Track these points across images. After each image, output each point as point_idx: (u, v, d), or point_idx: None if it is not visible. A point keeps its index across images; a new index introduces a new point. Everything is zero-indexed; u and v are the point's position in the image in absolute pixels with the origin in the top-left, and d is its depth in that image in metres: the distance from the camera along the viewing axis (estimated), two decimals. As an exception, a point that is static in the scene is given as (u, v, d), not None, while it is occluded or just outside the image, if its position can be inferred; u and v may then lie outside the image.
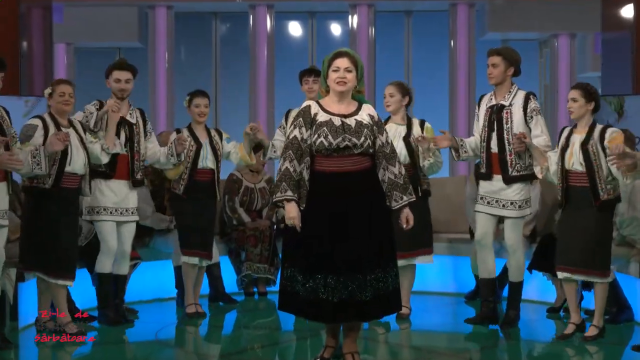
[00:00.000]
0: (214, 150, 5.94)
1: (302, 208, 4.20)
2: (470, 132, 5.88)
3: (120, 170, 5.54)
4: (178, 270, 6.33)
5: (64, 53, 9.45)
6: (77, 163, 5.20)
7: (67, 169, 5.15)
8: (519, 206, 5.43)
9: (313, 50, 9.85)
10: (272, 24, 9.44)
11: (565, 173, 5.13)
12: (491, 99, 5.53)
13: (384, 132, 4.36)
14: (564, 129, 5.31)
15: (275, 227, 6.83)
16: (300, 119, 4.29)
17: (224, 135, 6.07)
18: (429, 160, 5.63)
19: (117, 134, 5.50)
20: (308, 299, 4.18)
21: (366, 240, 4.20)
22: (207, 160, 5.92)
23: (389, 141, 4.36)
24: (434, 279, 6.75)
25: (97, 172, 5.49)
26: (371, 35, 9.39)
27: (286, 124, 5.86)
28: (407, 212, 4.32)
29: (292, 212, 4.17)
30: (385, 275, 4.26)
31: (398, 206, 4.29)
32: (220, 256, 6.66)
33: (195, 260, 5.95)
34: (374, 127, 4.31)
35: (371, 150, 4.30)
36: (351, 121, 4.28)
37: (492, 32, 9.38)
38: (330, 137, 4.23)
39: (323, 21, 10.05)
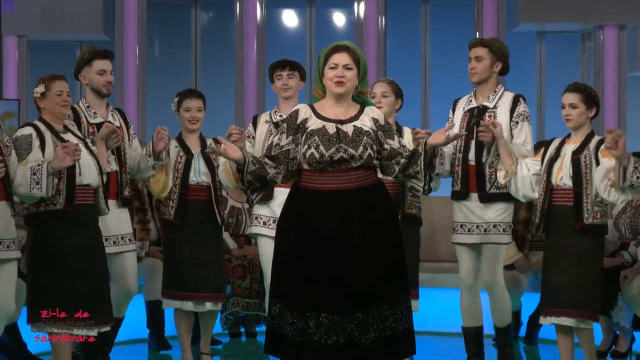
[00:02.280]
0: (209, 162, 5.75)
1: (249, 159, 4.20)
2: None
3: (112, 188, 5.35)
4: (151, 306, 6.33)
5: (15, 47, 9.49)
6: (90, 172, 4.96)
7: (79, 180, 4.89)
8: (503, 230, 5.27)
9: (312, 44, 9.89)
10: (263, 12, 9.49)
11: (549, 191, 4.99)
12: (470, 100, 5.40)
13: (396, 136, 4.28)
14: (553, 139, 5.20)
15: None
16: (285, 124, 4.27)
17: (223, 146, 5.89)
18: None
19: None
20: (298, 342, 4.15)
21: (370, 271, 4.16)
22: (199, 174, 5.72)
23: (405, 144, 4.28)
24: (444, 316, 6.76)
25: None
26: (381, 27, 9.43)
27: (255, 132, 5.63)
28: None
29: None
30: (393, 312, 4.19)
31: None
32: (201, 290, 6.68)
33: (190, 305, 5.69)
34: (379, 134, 4.25)
35: (376, 163, 4.25)
36: (348, 128, 4.22)
37: (525, 22, 9.42)
38: (322, 147, 4.17)
39: (323, 10, 10.10)
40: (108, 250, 5.27)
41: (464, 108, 5.41)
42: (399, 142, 4.28)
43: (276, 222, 5.34)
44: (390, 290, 4.20)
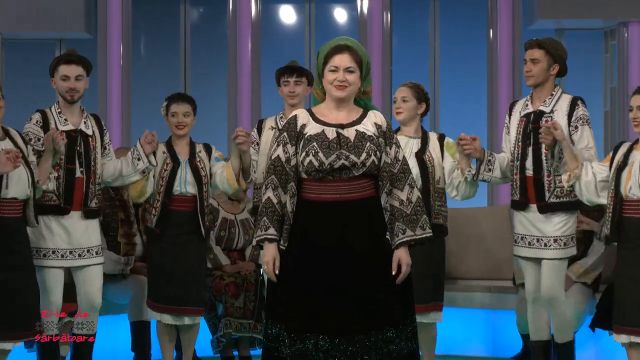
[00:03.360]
0: (196, 171, 5.89)
1: (283, 247, 4.17)
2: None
3: (77, 200, 5.50)
4: (135, 327, 6.33)
5: (-11, 45, 9.52)
6: (18, 185, 5.15)
7: (4, 193, 5.09)
8: (564, 244, 5.44)
9: (311, 42, 9.90)
10: (258, 8, 9.49)
11: (619, 200, 5.07)
12: (526, 105, 5.55)
13: (395, 145, 4.28)
14: (620, 144, 5.28)
15: (262, 271, 6.84)
16: (285, 133, 4.27)
17: (214, 153, 6.01)
18: (469, 173, 5.52)
19: (72, 155, 5.46)
20: None
21: (372, 290, 4.16)
22: (185, 184, 5.86)
23: (400, 158, 4.29)
24: (466, 339, 6.76)
25: (47, 206, 5.43)
26: (386, 24, 9.44)
27: (260, 138, 5.88)
28: (402, 253, 4.17)
29: (267, 255, 4.17)
30: (398, 335, 4.20)
31: (399, 241, 4.17)
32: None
33: (168, 318, 5.89)
34: (380, 140, 4.25)
35: (376, 171, 4.25)
36: (350, 132, 4.23)
37: (543, 19, 9.43)
38: (321, 154, 4.18)
39: (323, 5, 10.10)
40: (72, 263, 5.49)
41: (520, 112, 5.54)
42: (395, 153, 4.28)
43: None
44: (394, 311, 4.20)
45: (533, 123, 5.44)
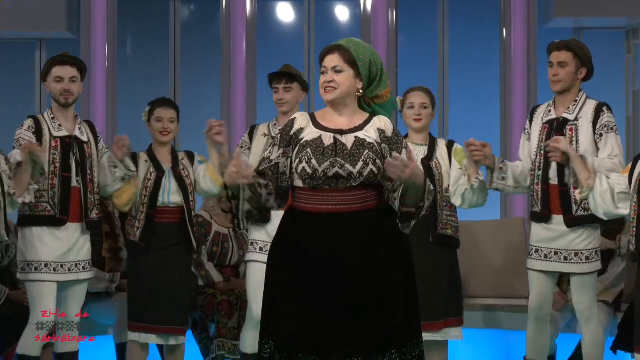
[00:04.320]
0: (181, 180, 5.96)
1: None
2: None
3: (74, 210, 5.56)
4: (121, 349, 6.34)
5: (-36, 46, 9.54)
6: None
7: None
8: (587, 257, 5.50)
9: (310, 42, 9.90)
10: (254, 5, 9.51)
11: None
12: (549, 110, 5.60)
13: (405, 150, 4.24)
14: None
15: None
16: (279, 135, 4.31)
17: (197, 158, 6.08)
18: (477, 181, 5.55)
19: (67, 163, 5.51)
20: None
21: (372, 309, 4.14)
22: (169, 194, 5.94)
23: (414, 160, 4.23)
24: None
25: (40, 217, 5.49)
26: (391, 22, 9.46)
27: (251, 144, 5.92)
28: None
29: None
30: (401, 358, 4.17)
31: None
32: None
33: (153, 338, 5.92)
34: (383, 146, 4.21)
35: (380, 181, 4.21)
36: (348, 139, 4.21)
37: (560, 17, 9.43)
38: (314, 161, 4.16)
39: (323, 2, 10.12)
40: (60, 278, 5.54)
41: (542, 118, 5.59)
42: (407, 158, 4.21)
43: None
44: (398, 332, 4.17)
45: (557, 131, 5.49)
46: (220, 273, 6.88)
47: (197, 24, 10.18)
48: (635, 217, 5.08)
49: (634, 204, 5.10)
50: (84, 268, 5.65)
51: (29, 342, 5.56)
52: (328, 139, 4.21)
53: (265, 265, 5.47)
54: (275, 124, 5.94)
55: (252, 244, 5.86)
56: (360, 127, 4.26)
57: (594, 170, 5.27)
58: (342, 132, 4.23)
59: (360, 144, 4.20)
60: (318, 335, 4.12)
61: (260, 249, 5.80)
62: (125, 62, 9.99)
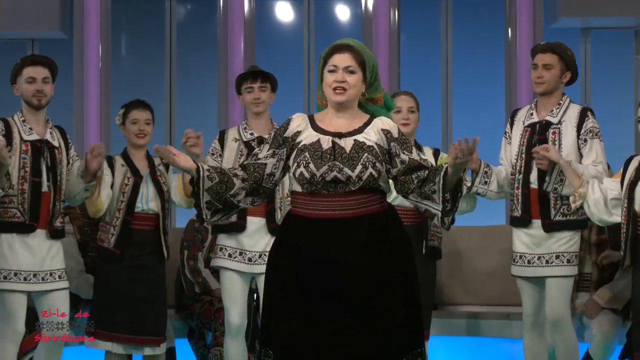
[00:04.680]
0: (158, 187, 5.98)
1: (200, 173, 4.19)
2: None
3: (44, 216, 5.54)
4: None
5: (-47, 46, 9.53)
6: None
7: None
8: (568, 260, 5.55)
9: (310, 42, 9.90)
10: (252, 5, 9.51)
11: (633, 218, 5.14)
12: (531, 114, 5.66)
13: (411, 149, 4.23)
14: (631, 158, 5.34)
15: (255, 296, 6.85)
16: (273, 133, 4.33)
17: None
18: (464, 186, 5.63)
19: (38, 168, 5.49)
20: None
21: (371, 309, 4.15)
22: (147, 201, 5.97)
23: (424, 158, 4.25)
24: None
25: (9, 223, 5.46)
26: (393, 22, 9.45)
27: (222, 149, 5.91)
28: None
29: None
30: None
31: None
32: (177, 339, 6.67)
33: (125, 349, 5.96)
34: (392, 145, 4.22)
35: (381, 185, 4.23)
36: (347, 142, 4.21)
37: (567, 16, 9.43)
38: (312, 165, 4.17)
39: (324, 2, 10.10)
40: (35, 287, 5.51)
41: (523, 122, 5.65)
42: (419, 155, 4.25)
43: (243, 254, 5.59)
44: (399, 342, 4.17)
45: (539, 134, 5.56)
46: (218, 280, 6.87)
47: (193, 23, 10.17)
48: (625, 222, 5.12)
49: (624, 209, 5.14)
50: (60, 277, 5.61)
51: (4, 355, 5.53)
52: (326, 142, 4.22)
53: (233, 271, 5.75)
54: (245, 128, 5.93)
55: (220, 249, 5.87)
56: (360, 130, 4.26)
57: (586, 178, 5.34)
58: (340, 135, 4.23)
59: (359, 147, 4.20)
60: (320, 321, 4.13)
61: (230, 255, 5.83)
62: (120, 62, 9.98)
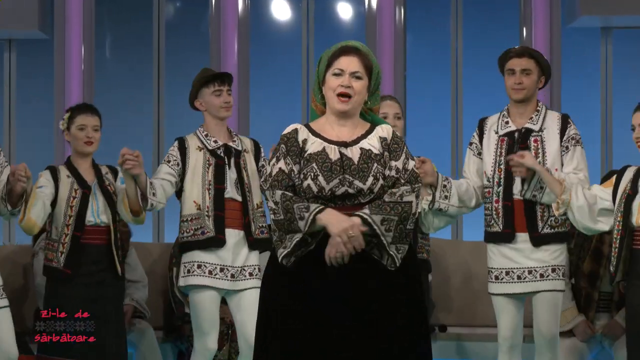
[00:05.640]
0: (108, 197, 5.95)
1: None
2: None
3: None
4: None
5: None
6: None
7: None
8: (563, 274, 5.63)
9: (309, 43, 9.90)
10: (246, 2, 9.51)
11: (629, 232, 5.19)
12: (506, 122, 5.75)
13: (405, 155, 4.27)
14: (625, 168, 5.40)
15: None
16: (283, 145, 4.27)
17: (120, 175, 6.03)
18: (427, 202, 5.68)
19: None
20: None
21: (378, 344, 4.17)
22: (98, 214, 5.93)
23: (410, 168, 4.27)
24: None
25: None
26: (399, 21, 9.46)
27: (184, 159, 5.90)
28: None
29: (339, 220, 4.10)
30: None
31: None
32: (165, 363, 6.66)
33: None
34: (385, 155, 4.25)
35: None
36: (354, 152, 4.23)
37: (586, 15, 9.43)
38: (321, 178, 4.18)
39: (324, -1, 10.14)
40: None
41: (496, 131, 5.73)
42: (404, 164, 4.27)
43: (225, 271, 5.62)
44: (401, 343, 4.19)
45: (521, 143, 5.63)
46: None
47: (183, 22, 10.17)
48: (619, 236, 5.21)
49: (617, 222, 5.18)
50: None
51: None
52: (333, 152, 4.24)
53: (214, 290, 5.80)
54: (207, 135, 5.94)
55: (199, 266, 5.85)
56: (363, 137, 4.30)
57: (567, 185, 5.40)
58: (346, 144, 4.25)
59: (367, 156, 4.23)
60: (327, 324, 4.15)
61: (210, 272, 5.83)
62: (104, 65, 9.98)
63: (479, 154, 5.77)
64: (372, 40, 9.32)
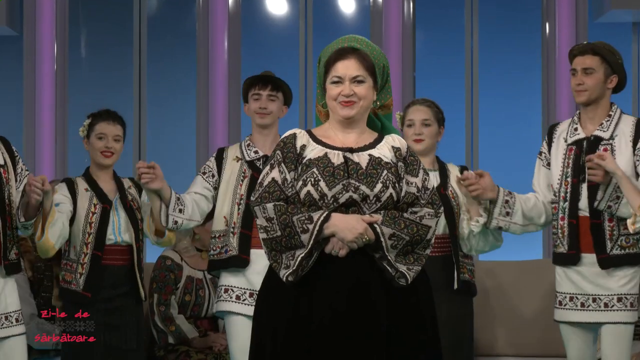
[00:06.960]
0: (131, 214, 5.93)
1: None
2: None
3: None
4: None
5: None
6: None
7: None
8: (631, 304, 5.54)
9: (307, 41, 9.94)
10: (238, -4, 9.53)
11: None
12: (575, 129, 5.68)
13: (423, 171, 4.35)
14: None
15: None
16: (278, 151, 4.33)
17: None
18: (477, 223, 5.68)
19: None
20: None
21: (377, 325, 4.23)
22: (120, 231, 5.94)
23: (430, 187, 4.34)
24: None
25: None
26: (407, 15, 9.47)
27: (219, 171, 5.85)
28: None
29: (350, 224, 4.16)
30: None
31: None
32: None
33: None
34: (399, 165, 4.30)
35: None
36: (361, 158, 4.29)
37: (615, 9, 9.46)
38: (322, 184, 4.22)
39: (324, -8, 10.14)
40: None
41: (565, 139, 5.67)
42: (423, 182, 4.33)
43: (254, 296, 5.57)
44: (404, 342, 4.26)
45: (588, 153, 5.55)
46: (195, 327, 6.89)
47: (167, 18, 10.20)
48: None
49: None
50: (17, 320, 5.51)
51: None
52: (336, 157, 4.30)
53: (244, 317, 5.71)
54: (249, 145, 5.90)
55: (225, 290, 5.83)
56: (372, 145, 4.37)
57: None
58: (351, 150, 4.31)
59: (376, 162, 4.29)
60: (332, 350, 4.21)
61: (238, 297, 5.78)
62: (79, 64, 10.00)
63: (549, 164, 5.75)
64: (377, 37, 9.38)
